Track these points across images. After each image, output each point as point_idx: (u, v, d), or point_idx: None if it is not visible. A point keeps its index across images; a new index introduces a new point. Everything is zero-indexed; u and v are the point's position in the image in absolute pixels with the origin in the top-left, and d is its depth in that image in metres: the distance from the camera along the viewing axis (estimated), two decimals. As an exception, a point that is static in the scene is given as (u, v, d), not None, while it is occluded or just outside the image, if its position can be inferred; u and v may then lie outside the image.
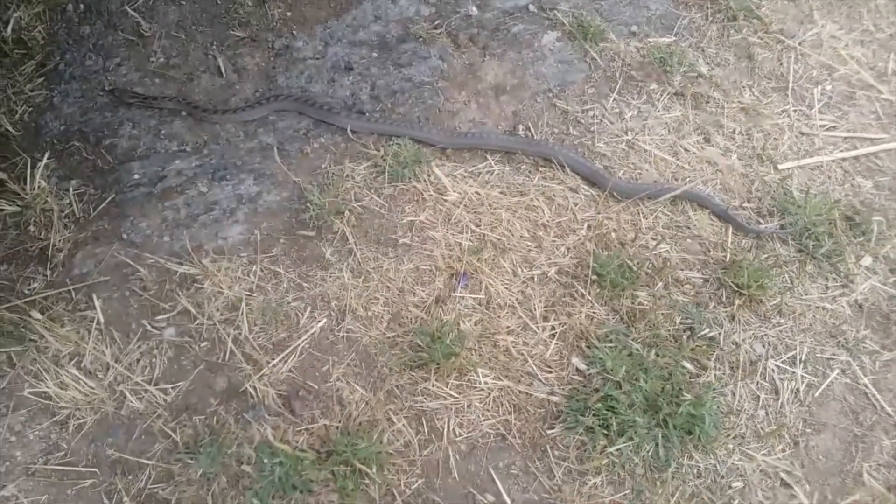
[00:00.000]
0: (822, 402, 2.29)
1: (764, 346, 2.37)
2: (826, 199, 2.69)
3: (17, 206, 2.30)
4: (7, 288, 2.19)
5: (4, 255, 2.24)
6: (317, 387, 2.14)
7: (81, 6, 2.76)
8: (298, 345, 2.20)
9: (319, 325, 2.25)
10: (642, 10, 3.23)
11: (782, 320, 2.42)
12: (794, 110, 2.99)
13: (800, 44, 3.21)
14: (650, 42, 3.11)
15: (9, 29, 2.61)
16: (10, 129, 2.46)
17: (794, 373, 2.32)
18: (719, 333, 2.34)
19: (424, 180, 2.58)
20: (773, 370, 2.32)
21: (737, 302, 2.41)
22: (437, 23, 3.00)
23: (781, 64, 3.14)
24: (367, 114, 2.69)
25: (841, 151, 2.91)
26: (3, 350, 2.09)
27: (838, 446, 2.20)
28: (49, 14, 2.73)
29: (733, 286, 2.44)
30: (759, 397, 2.26)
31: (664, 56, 3.04)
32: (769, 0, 3.35)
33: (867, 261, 2.60)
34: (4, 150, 2.41)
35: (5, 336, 2.11)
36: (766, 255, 2.53)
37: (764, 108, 2.97)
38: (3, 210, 2.29)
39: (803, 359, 2.35)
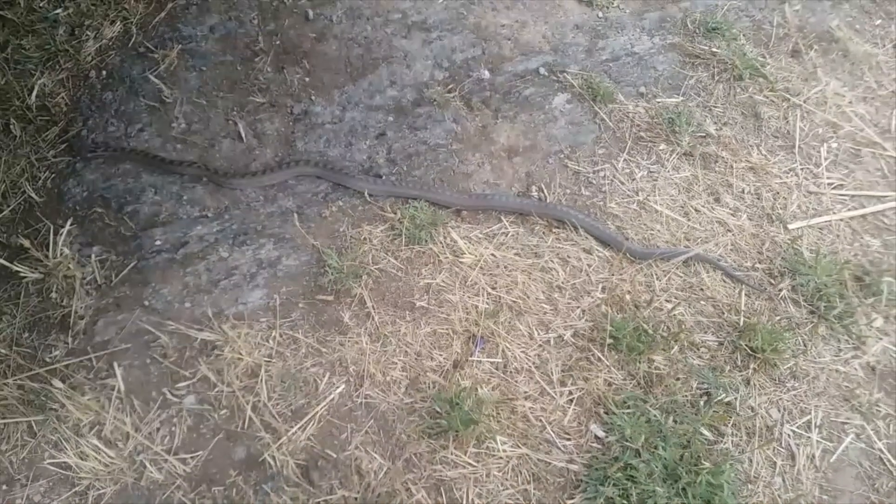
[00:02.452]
0: (838, 467, 2.29)
1: (779, 410, 2.38)
2: (836, 259, 2.72)
3: (40, 272, 2.33)
4: (29, 356, 2.20)
5: (26, 322, 2.26)
6: (335, 455, 2.15)
7: (104, 73, 2.83)
8: (317, 412, 2.21)
9: (338, 391, 2.27)
10: (650, 71, 3.30)
11: (797, 384, 2.44)
12: (802, 169, 3.04)
13: (805, 101, 3.27)
14: (658, 102, 3.18)
15: (33, 96, 2.67)
16: (33, 195, 2.51)
17: (809, 438, 2.33)
18: (735, 398, 2.35)
19: (441, 242, 2.62)
20: (788, 435, 2.32)
21: (752, 366, 2.43)
22: (450, 87, 3.07)
23: (788, 122, 3.19)
24: (384, 177, 2.74)
25: (848, 210, 2.95)
26: (24, 419, 2.10)
27: (856, 514, 2.21)
28: (72, 81, 2.79)
29: (748, 349, 2.46)
30: (775, 464, 2.26)
31: (672, 116, 3.10)
32: (774, 58, 3.42)
33: (878, 322, 2.61)
34: (27, 217, 2.45)
35: (27, 405, 2.12)
36: (778, 318, 2.56)
37: (772, 167, 3.02)
38: (25, 277, 2.31)
39: (818, 423, 2.35)
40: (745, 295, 2.62)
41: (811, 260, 2.69)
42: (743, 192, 2.94)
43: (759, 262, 2.73)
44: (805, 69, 3.42)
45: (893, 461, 2.30)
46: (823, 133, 3.20)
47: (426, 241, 2.60)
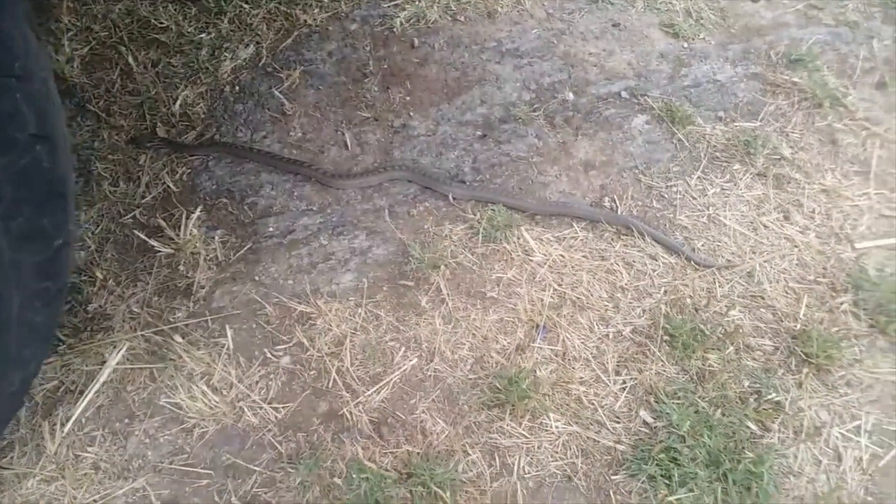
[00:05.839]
0: (887, 472, 2.33)
1: (829, 413, 2.45)
2: (904, 279, 2.77)
3: (171, 248, 2.79)
4: (156, 316, 2.64)
5: (157, 289, 2.71)
6: (404, 417, 2.43)
7: (237, 88, 3.34)
8: (391, 379, 2.51)
9: (411, 363, 2.56)
10: (730, 97, 3.46)
11: (850, 391, 2.50)
12: (876, 193, 3.09)
13: (885, 131, 3.31)
14: (736, 126, 3.33)
15: (177, 104, 3.20)
16: (171, 185, 2.99)
17: (858, 442, 2.39)
18: (785, 399, 2.46)
19: (514, 242, 2.88)
20: (836, 437, 2.39)
21: (805, 370, 2.53)
22: (535, 106, 3.37)
23: (865, 149, 3.25)
24: (468, 183, 3.05)
25: (923, 234, 2.97)
26: (148, 366, 2.53)
27: (903, 519, 2.24)
28: (210, 94, 3.32)
29: (803, 355, 2.56)
30: (820, 462, 2.34)
31: (749, 139, 3.24)
32: (857, 90, 3.49)
33: (945, 340, 2.64)
34: (165, 203, 2.93)
35: (151, 355, 2.55)
36: (836, 329, 2.63)
37: (845, 191, 3.09)
38: (159, 252, 2.78)
39: (868, 429, 2.41)
40: (806, 306, 2.71)
41: (876, 277, 2.75)
42: (813, 212, 3.03)
43: (823, 277, 2.81)
44: (889, 101, 3.47)
45: (949, 474, 2.32)
46: (904, 161, 3.23)
47: (501, 240, 2.88)
